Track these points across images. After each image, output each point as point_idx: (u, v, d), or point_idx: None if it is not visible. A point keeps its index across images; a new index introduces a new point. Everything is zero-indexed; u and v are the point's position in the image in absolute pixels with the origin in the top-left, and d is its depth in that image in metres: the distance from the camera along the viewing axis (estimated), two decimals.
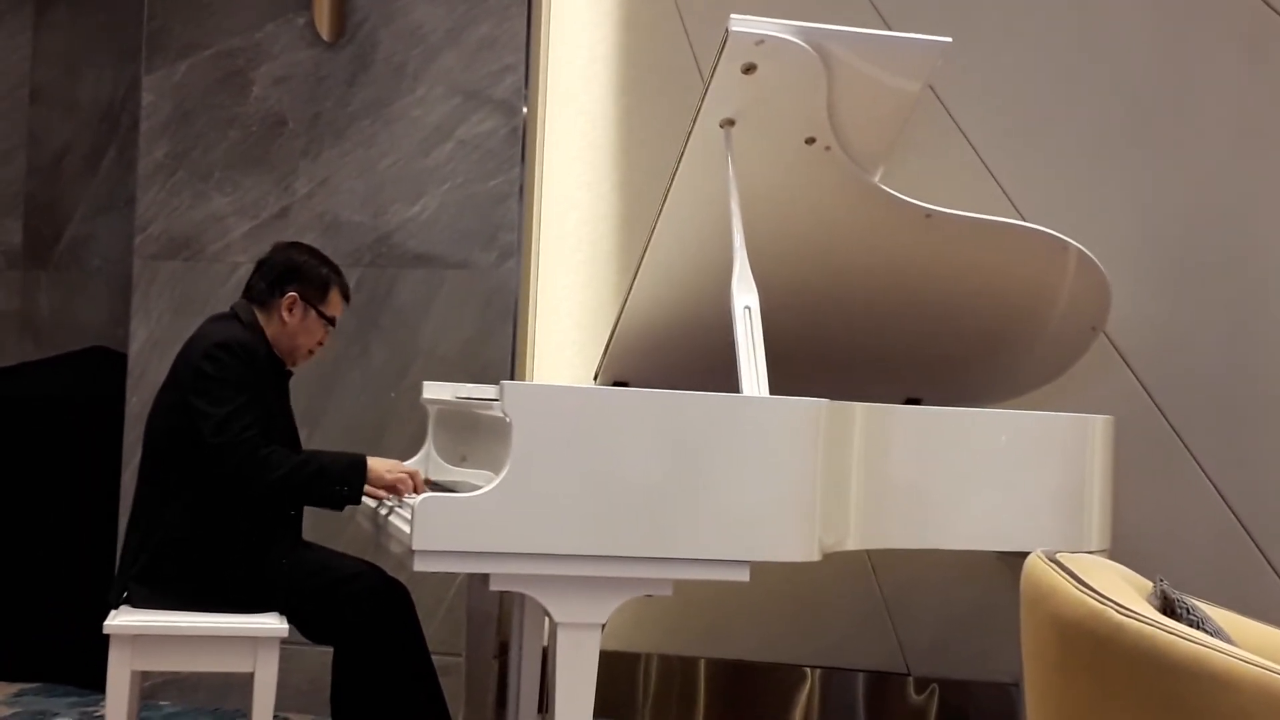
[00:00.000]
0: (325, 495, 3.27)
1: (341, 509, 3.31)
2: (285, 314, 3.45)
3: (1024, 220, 4.08)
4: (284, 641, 3.20)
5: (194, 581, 3.25)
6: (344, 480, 3.24)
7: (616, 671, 4.46)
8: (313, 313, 3.48)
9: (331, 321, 3.53)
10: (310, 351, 3.55)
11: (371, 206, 4.63)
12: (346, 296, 3.58)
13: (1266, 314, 4.20)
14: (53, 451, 5.00)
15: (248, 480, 3.21)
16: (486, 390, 3.57)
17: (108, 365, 4.84)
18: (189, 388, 3.28)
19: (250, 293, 3.50)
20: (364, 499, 3.29)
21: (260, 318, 3.46)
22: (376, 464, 3.27)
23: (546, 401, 2.83)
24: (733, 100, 3.15)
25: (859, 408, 3.12)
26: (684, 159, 3.24)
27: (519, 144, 4.57)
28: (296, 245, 3.63)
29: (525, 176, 4.60)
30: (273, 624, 3.19)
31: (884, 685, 4.47)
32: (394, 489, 3.23)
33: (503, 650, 4.29)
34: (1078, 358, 3.87)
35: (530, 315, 4.71)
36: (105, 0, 5.06)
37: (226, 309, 3.52)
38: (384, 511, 3.23)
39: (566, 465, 2.79)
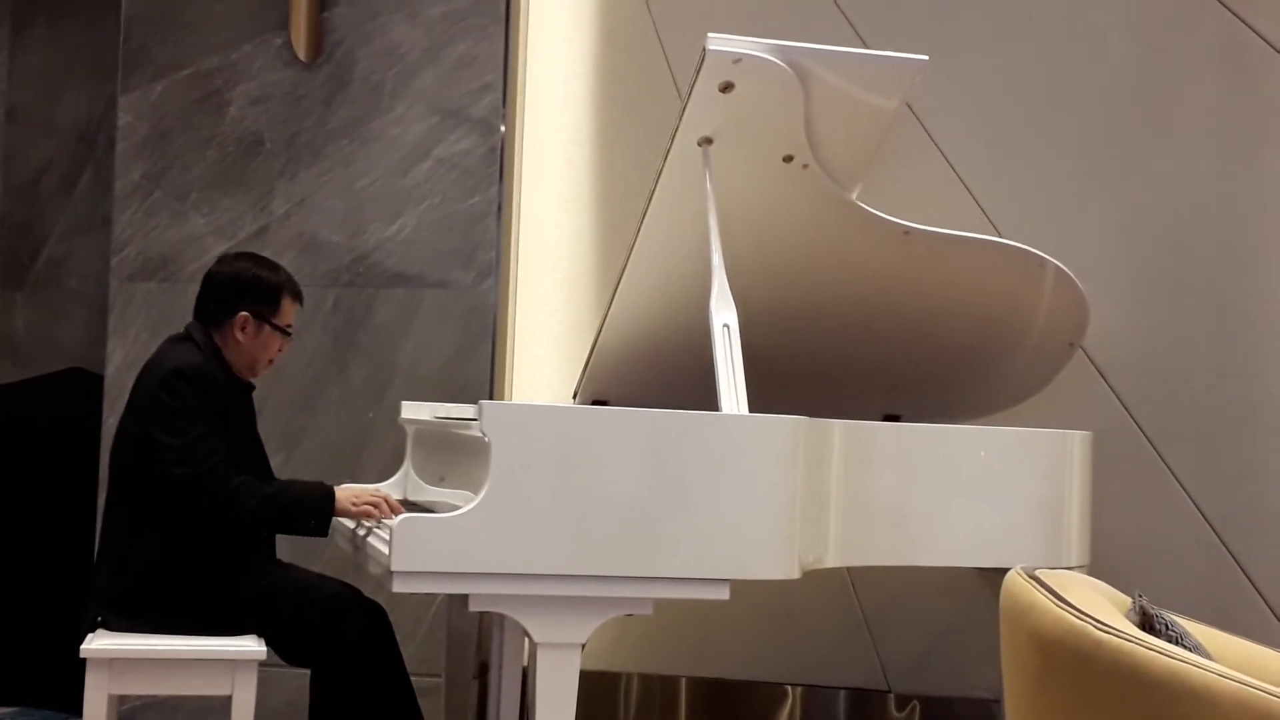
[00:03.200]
0: (295, 527, 3.26)
1: (322, 534, 3.30)
2: (239, 334, 3.38)
3: (1001, 237, 4.09)
4: (262, 664, 3.18)
5: (169, 607, 3.21)
6: (314, 513, 3.21)
7: (597, 691, 4.44)
8: (267, 327, 3.41)
9: (287, 330, 3.47)
10: (270, 361, 3.49)
11: (349, 226, 4.62)
12: (299, 298, 3.50)
13: (1244, 329, 4.22)
14: (29, 473, 4.97)
15: (217, 512, 3.19)
16: (465, 410, 3.56)
17: (84, 386, 4.82)
18: (149, 417, 3.23)
19: (201, 312, 3.44)
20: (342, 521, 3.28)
21: (215, 337, 3.40)
22: (344, 496, 3.24)
23: (525, 421, 2.83)
24: (710, 118, 3.16)
25: (838, 425, 3.12)
26: (662, 177, 3.24)
27: (497, 163, 4.57)
28: (241, 257, 3.54)
29: (503, 195, 4.60)
30: (251, 646, 3.17)
31: (865, 702, 4.47)
32: (366, 517, 3.21)
33: (482, 671, 4.27)
34: (1056, 374, 3.88)
35: (509, 334, 4.70)
36: (82, 20, 5.05)
37: (181, 329, 3.48)
38: (362, 532, 3.22)
39: (546, 484, 2.78)
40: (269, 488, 3.28)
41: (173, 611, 3.21)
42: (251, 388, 3.52)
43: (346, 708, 3.27)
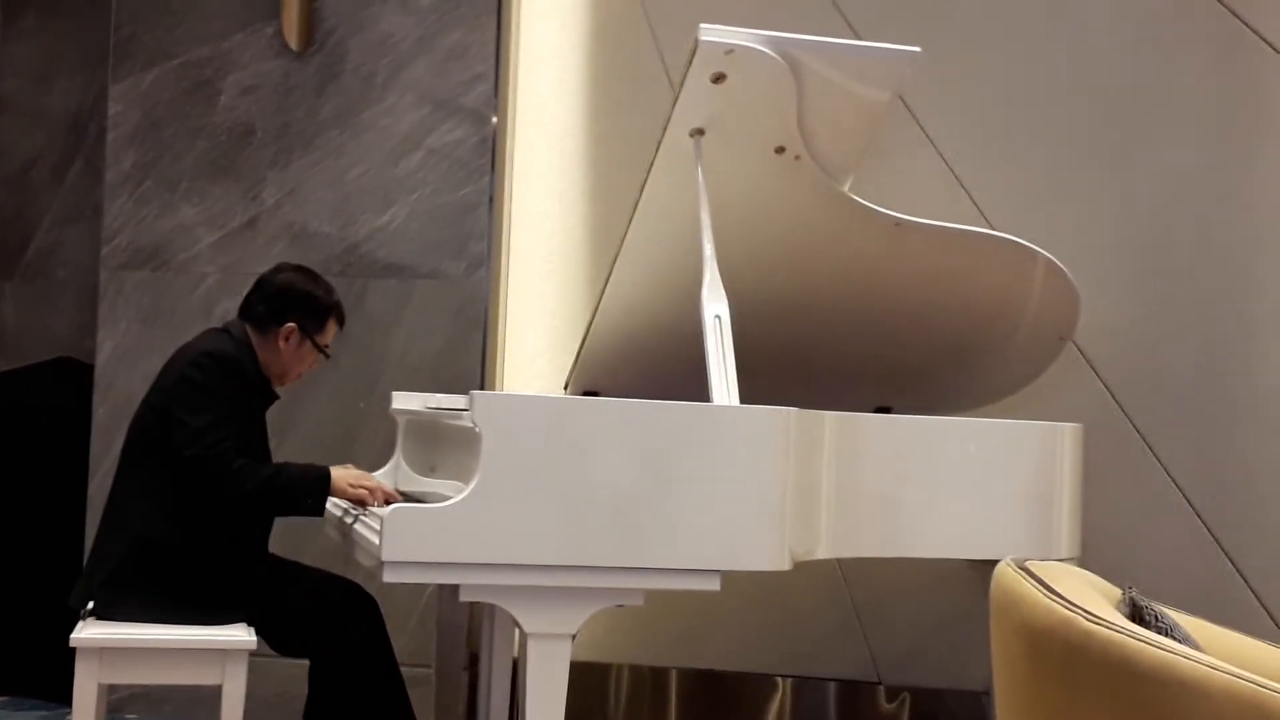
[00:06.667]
0: (293, 508, 3.30)
1: (319, 514, 3.32)
2: (282, 342, 3.43)
3: (993, 229, 4.09)
4: (252, 654, 3.18)
5: (162, 587, 3.22)
6: (310, 493, 3.25)
7: (587, 682, 4.44)
8: (309, 343, 3.46)
9: (326, 350, 3.52)
10: (300, 375, 3.55)
11: (340, 216, 4.61)
12: (342, 323, 3.57)
13: (1234, 322, 4.22)
14: (19, 463, 4.96)
15: (219, 493, 3.22)
16: (456, 400, 3.56)
17: (74, 376, 4.81)
18: (172, 393, 3.28)
19: (247, 312, 3.47)
20: (334, 506, 3.30)
21: (255, 339, 3.44)
22: (341, 476, 3.28)
23: (516, 411, 2.83)
24: (702, 110, 3.15)
25: (829, 416, 3.12)
26: (654, 168, 3.24)
27: (489, 153, 4.56)
28: (300, 271, 3.57)
29: (495, 186, 4.59)
30: (241, 636, 3.17)
31: (855, 694, 4.47)
32: (359, 503, 3.23)
33: (473, 661, 4.27)
34: (1046, 366, 3.88)
35: (500, 325, 4.70)
36: (73, 9, 5.03)
37: (219, 324, 3.54)
38: (349, 520, 3.23)
39: (536, 475, 2.78)
40: (267, 469, 3.31)
41: (166, 593, 3.21)
42: (275, 397, 3.55)
43: (336, 697, 3.27)
